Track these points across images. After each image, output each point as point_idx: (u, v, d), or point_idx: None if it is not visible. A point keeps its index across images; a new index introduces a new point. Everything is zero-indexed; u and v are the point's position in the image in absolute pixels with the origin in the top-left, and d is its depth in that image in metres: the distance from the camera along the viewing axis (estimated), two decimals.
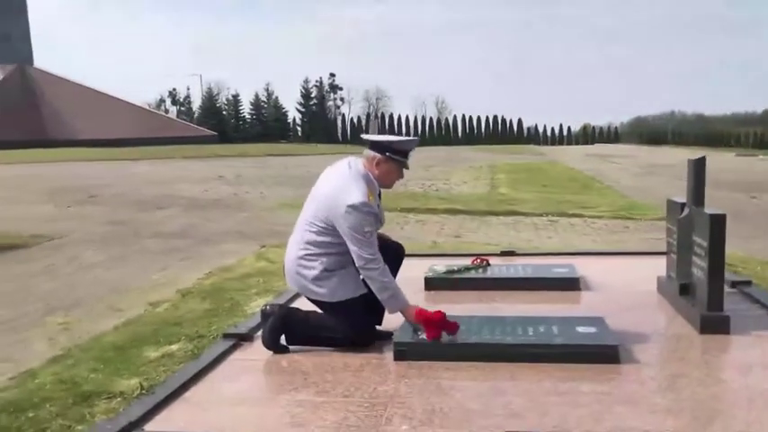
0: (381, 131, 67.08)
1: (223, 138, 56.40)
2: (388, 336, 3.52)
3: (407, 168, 3.60)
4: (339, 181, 3.44)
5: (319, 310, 3.57)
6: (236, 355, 3.52)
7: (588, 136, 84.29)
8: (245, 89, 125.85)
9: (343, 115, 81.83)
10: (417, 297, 4.40)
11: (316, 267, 3.44)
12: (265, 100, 77.19)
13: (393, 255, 3.71)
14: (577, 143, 79.06)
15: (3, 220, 10.69)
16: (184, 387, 3.02)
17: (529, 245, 7.87)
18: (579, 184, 17.12)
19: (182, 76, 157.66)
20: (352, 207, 3.31)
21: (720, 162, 26.32)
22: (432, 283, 4.79)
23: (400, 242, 3.93)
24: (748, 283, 4.57)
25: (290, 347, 3.51)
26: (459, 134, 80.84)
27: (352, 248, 3.36)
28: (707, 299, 3.66)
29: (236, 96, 77.05)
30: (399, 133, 77.21)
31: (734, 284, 4.49)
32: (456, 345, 3.32)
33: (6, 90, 50.01)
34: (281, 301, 4.13)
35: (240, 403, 2.89)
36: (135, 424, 2.61)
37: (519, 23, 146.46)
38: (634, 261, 5.65)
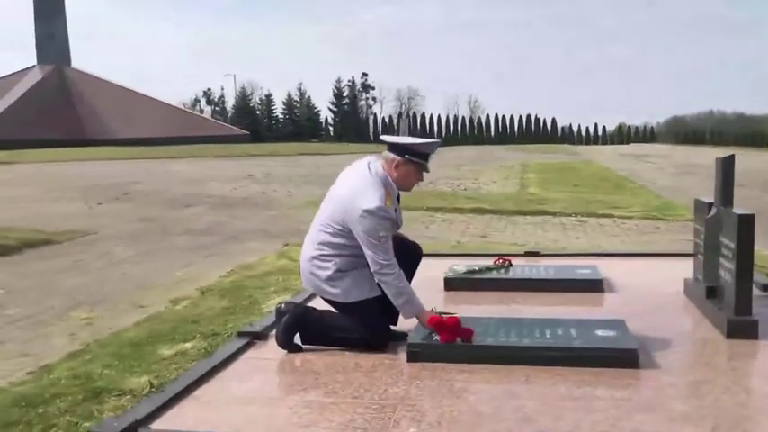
0: (412, 131, 66.95)
1: (256, 137, 56.86)
2: (402, 336, 3.46)
3: (427, 171, 3.50)
4: (357, 183, 3.38)
5: (334, 310, 3.53)
6: (249, 354, 3.50)
7: (624, 136, 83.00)
8: (279, 89, 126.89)
9: (375, 115, 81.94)
10: (437, 297, 4.36)
11: (329, 268, 3.40)
12: (298, 99, 77.65)
13: (410, 255, 3.66)
14: (612, 143, 77.89)
15: (38, 217, 10.91)
16: (195, 385, 3.00)
17: (555, 245, 7.74)
18: (611, 183, 16.82)
19: (216, 76, 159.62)
20: (368, 212, 3.26)
21: (759, 162, 25.69)
22: (451, 284, 4.72)
23: (418, 242, 3.86)
24: None
25: (304, 346, 3.48)
26: (492, 133, 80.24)
27: (368, 253, 3.30)
28: (734, 302, 3.53)
29: (268, 96, 77.72)
30: (431, 133, 77.10)
31: (765, 287, 4.34)
32: (470, 346, 3.25)
33: (45, 90, 51.16)
34: (298, 299, 4.10)
35: (249, 403, 2.86)
36: (141, 422, 2.60)
37: (555, 22, 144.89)
38: (661, 263, 5.50)
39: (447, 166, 25.71)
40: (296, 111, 76.93)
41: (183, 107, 69.15)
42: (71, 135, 44.81)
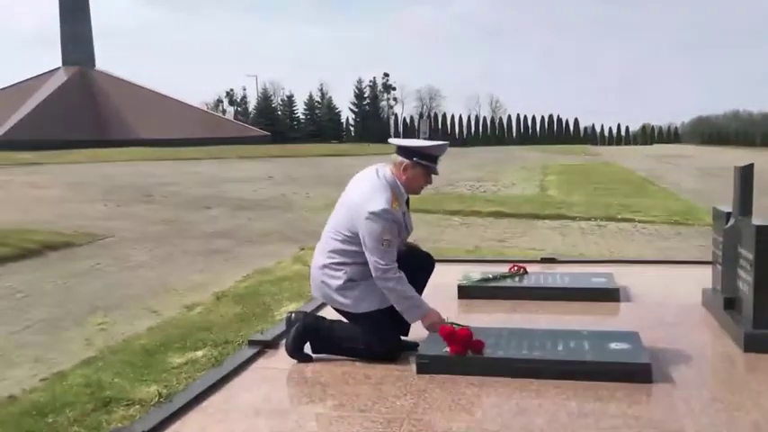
0: (433, 131, 66.81)
1: (277, 138, 57.08)
2: (413, 346, 3.44)
3: (436, 174, 3.49)
4: (365, 188, 3.37)
5: (344, 320, 3.51)
6: (259, 363, 3.49)
7: (647, 136, 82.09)
8: (300, 89, 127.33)
9: (396, 115, 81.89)
10: (450, 305, 4.32)
11: (340, 277, 3.38)
12: (319, 100, 77.87)
13: (422, 266, 3.63)
14: (636, 143, 77.06)
15: (59, 218, 11.06)
16: (202, 396, 3.00)
17: (573, 251, 7.66)
18: (633, 186, 16.62)
19: (239, 76, 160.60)
20: (374, 214, 3.24)
21: None
22: (465, 292, 4.67)
23: (431, 252, 3.83)
24: None
25: (314, 356, 3.46)
26: (514, 134, 79.81)
27: (369, 257, 3.27)
28: (752, 315, 3.45)
29: (290, 97, 78.07)
30: (452, 133, 76.95)
31: None
32: (481, 359, 3.21)
33: (70, 91, 51.82)
34: (309, 308, 4.09)
35: (255, 414, 2.85)
36: None
37: (578, 21, 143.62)
38: (679, 270, 5.40)
39: (467, 167, 25.62)
40: (317, 111, 77.18)
41: (206, 108, 69.75)
42: (95, 136, 45.35)
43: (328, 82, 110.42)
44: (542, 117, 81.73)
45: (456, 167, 24.60)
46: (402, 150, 3.43)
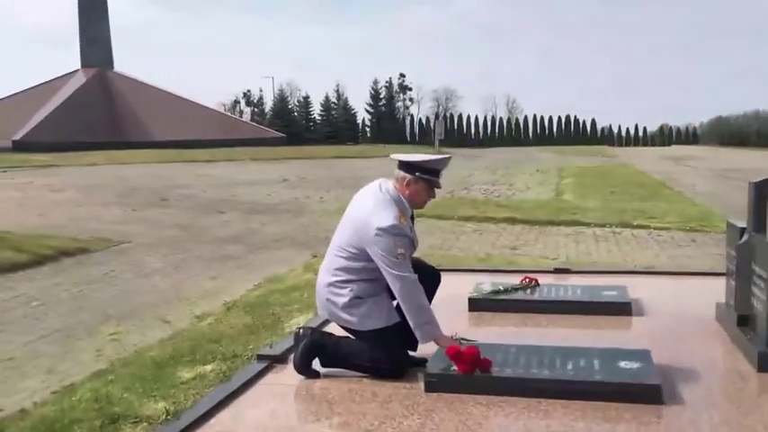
0: (448, 132, 66.68)
1: (293, 139, 57.25)
2: (422, 362, 3.42)
3: (439, 187, 3.49)
4: (369, 204, 3.37)
5: (352, 337, 3.50)
6: (267, 379, 3.49)
7: (665, 137, 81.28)
8: (317, 90, 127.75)
9: (412, 116, 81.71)
10: (460, 318, 4.31)
11: (346, 294, 3.37)
12: (335, 101, 77.94)
13: (428, 281, 3.60)
14: (653, 144, 76.39)
15: (76, 222, 11.18)
16: (209, 413, 3.01)
17: (587, 259, 7.60)
18: (648, 190, 16.45)
19: (255, 77, 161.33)
20: (383, 230, 3.24)
21: None
22: (476, 304, 4.64)
23: (435, 268, 3.81)
24: None
25: (323, 371, 3.46)
26: (530, 134, 79.39)
27: (387, 271, 3.27)
28: (766, 334, 3.40)
29: (306, 98, 78.11)
30: (468, 134, 76.71)
31: None
32: (489, 378, 3.19)
33: (88, 93, 52.35)
34: (317, 322, 4.09)
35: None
36: None
37: (595, 21, 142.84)
38: (693, 282, 5.34)
39: (482, 169, 25.57)
40: (333, 112, 77.22)
41: (223, 108, 70.11)
42: (112, 137, 45.78)
43: (344, 83, 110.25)
44: (559, 117, 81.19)
45: (470, 169, 24.57)
46: (404, 166, 3.43)
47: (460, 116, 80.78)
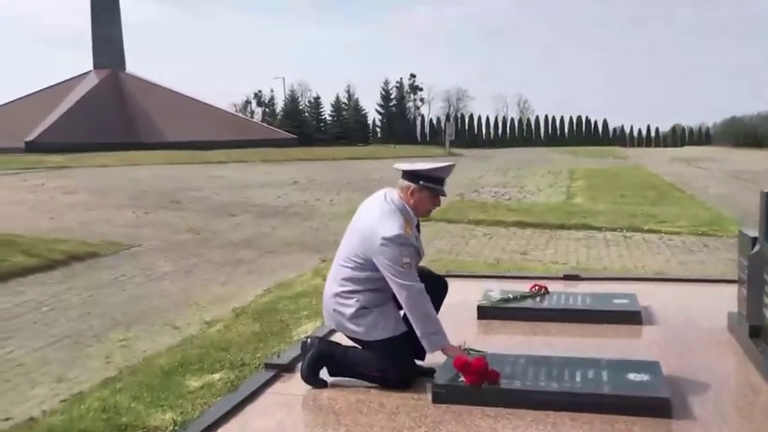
0: (459, 132, 66.54)
1: (304, 140, 57.31)
2: (430, 372, 3.41)
3: (444, 195, 3.49)
4: (375, 214, 3.37)
5: (359, 347, 3.50)
6: (275, 388, 3.49)
7: (678, 137, 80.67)
8: (328, 91, 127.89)
9: (423, 116, 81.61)
10: (469, 326, 4.29)
11: (352, 305, 3.37)
12: (346, 102, 77.98)
13: (435, 290, 3.59)
14: (666, 145, 75.87)
15: (87, 225, 11.25)
16: (216, 424, 3.01)
17: (597, 264, 7.56)
18: (659, 192, 16.33)
19: (267, 77, 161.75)
20: (388, 239, 3.23)
21: None
22: (485, 312, 4.63)
23: (443, 276, 3.80)
24: None
25: (330, 380, 3.46)
26: (542, 135, 79.09)
27: (393, 281, 3.27)
28: None
29: (317, 99, 78.21)
30: (479, 134, 76.52)
31: None
32: (497, 390, 3.17)
33: (100, 94, 52.64)
34: (324, 332, 4.08)
35: None
36: None
37: (607, 21, 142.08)
38: (705, 289, 5.30)
39: (492, 171, 25.50)
40: (344, 113, 77.26)
41: (234, 109, 70.32)
42: (125, 138, 46.00)
43: (355, 83, 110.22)
44: (570, 118, 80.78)
45: (481, 171, 24.51)
46: (407, 175, 3.43)
47: (471, 116, 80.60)
